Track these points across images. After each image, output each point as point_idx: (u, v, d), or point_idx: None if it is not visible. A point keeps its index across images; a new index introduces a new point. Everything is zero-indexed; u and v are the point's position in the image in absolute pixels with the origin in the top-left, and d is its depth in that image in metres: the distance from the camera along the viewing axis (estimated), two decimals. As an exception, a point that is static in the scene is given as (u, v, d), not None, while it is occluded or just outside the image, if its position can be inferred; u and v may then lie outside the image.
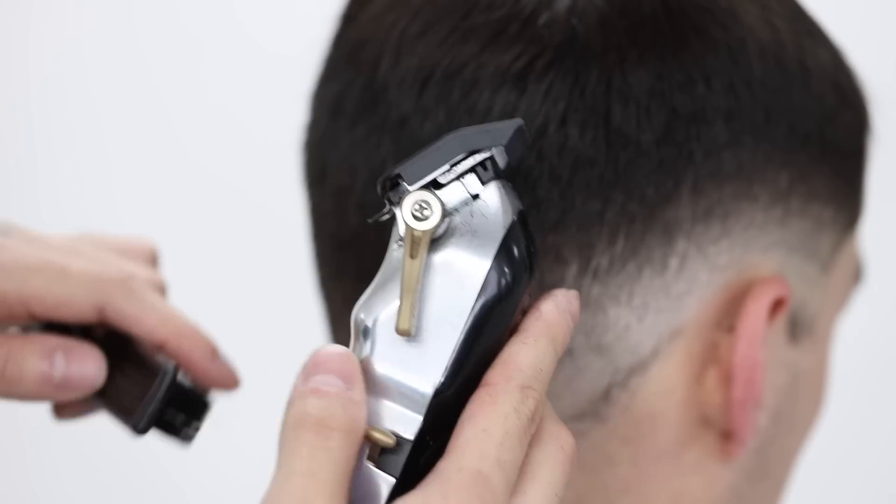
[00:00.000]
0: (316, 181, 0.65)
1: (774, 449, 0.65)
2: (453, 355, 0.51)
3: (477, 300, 0.51)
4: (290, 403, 0.50)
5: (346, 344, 0.65)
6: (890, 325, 1.33)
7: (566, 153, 0.58)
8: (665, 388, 0.61)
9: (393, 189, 0.52)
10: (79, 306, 0.62)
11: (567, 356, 0.60)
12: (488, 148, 0.52)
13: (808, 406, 0.68)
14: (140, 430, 0.62)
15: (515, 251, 0.52)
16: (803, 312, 0.64)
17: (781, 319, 0.63)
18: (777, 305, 0.61)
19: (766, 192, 0.61)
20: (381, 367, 0.51)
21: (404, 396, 0.51)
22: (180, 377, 0.63)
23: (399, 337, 0.51)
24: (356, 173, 0.62)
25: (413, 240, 0.51)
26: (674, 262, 0.59)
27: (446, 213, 0.52)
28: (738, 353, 0.60)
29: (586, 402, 0.61)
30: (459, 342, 0.51)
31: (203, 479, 1.40)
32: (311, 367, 0.51)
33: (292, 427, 0.49)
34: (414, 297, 0.51)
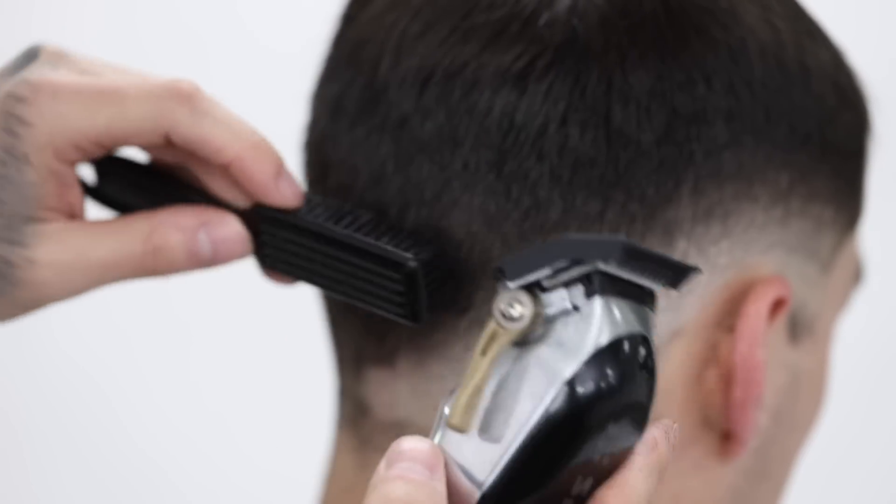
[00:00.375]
0: (316, 181, 0.65)
1: (775, 449, 0.65)
2: (505, 463, 0.49)
3: (542, 414, 0.49)
4: (374, 487, 0.50)
5: (346, 343, 0.66)
6: (890, 325, 1.34)
7: (567, 153, 0.58)
8: (665, 388, 0.61)
9: (498, 279, 0.50)
10: (144, 135, 0.60)
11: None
12: (596, 261, 0.49)
13: (809, 406, 0.68)
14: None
15: (599, 379, 0.49)
16: (803, 313, 0.64)
17: (782, 320, 0.63)
18: (777, 306, 0.62)
19: (767, 192, 0.61)
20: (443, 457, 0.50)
21: (458, 494, 0.50)
22: None
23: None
24: (356, 173, 0.62)
25: (491, 335, 0.50)
26: (674, 263, 0.60)
27: (538, 320, 0.49)
28: (738, 353, 0.60)
29: (587, 402, 0.61)
30: (514, 452, 0.49)
31: (203, 482, 1.40)
32: (396, 455, 0.50)
33: None
34: (472, 394, 0.49)
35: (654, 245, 0.59)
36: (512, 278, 0.49)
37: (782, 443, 0.66)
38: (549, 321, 0.49)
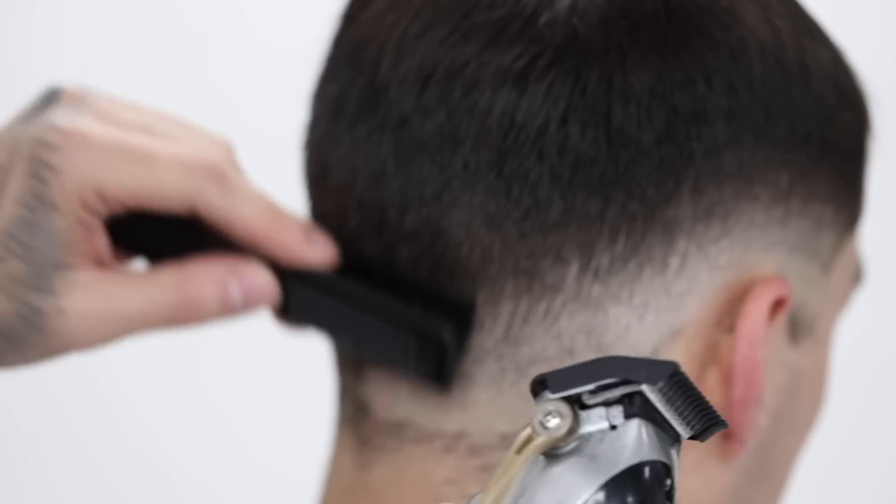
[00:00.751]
0: (316, 180, 0.65)
1: (774, 449, 0.65)
2: None
3: None
4: None
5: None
6: (890, 325, 1.34)
7: (567, 152, 0.58)
8: (665, 386, 0.61)
9: (538, 391, 0.50)
10: (169, 201, 0.61)
11: (568, 356, 0.60)
12: (640, 382, 0.49)
13: (809, 406, 0.67)
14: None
15: (626, 496, 0.49)
16: (804, 313, 0.64)
17: (782, 319, 0.63)
18: (778, 305, 0.62)
19: (767, 191, 0.61)
20: None
21: None
22: None
23: None
24: (356, 172, 0.62)
25: (526, 439, 0.49)
26: (674, 262, 0.60)
27: (573, 433, 0.49)
28: (738, 352, 0.60)
29: (587, 402, 0.61)
30: None
31: (203, 481, 1.40)
32: None
33: None
34: (499, 493, 0.49)
35: (655, 244, 0.59)
36: (554, 391, 0.49)
37: (782, 443, 0.66)
38: (585, 437, 0.49)
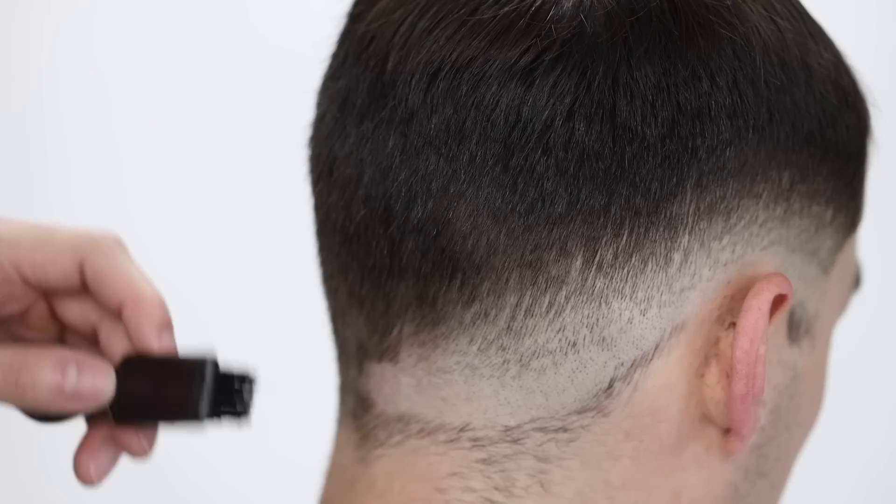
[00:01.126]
0: (323, 175, 0.65)
1: (774, 448, 0.66)
2: None
3: None
4: None
5: (349, 337, 0.66)
6: (890, 326, 1.34)
7: (572, 147, 0.59)
8: (667, 382, 0.61)
9: None
10: (62, 264, 0.64)
11: (571, 349, 0.60)
12: None
13: (807, 407, 0.68)
14: (202, 416, 0.63)
15: None
16: (803, 313, 0.65)
17: (782, 317, 0.63)
18: (778, 302, 0.62)
19: (769, 190, 0.62)
20: None
21: None
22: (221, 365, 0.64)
23: None
24: (363, 166, 0.62)
25: None
26: (677, 257, 0.60)
27: None
28: (739, 347, 0.61)
29: (590, 396, 0.61)
30: None
31: (203, 479, 1.40)
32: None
33: None
34: None
35: (658, 239, 0.60)
36: None
37: (781, 442, 0.66)
38: None
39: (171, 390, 0.64)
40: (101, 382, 0.63)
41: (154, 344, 0.64)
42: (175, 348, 0.65)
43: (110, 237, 0.65)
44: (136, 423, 0.65)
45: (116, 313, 0.65)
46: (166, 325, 0.64)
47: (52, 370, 0.62)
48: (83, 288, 0.65)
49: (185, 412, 0.63)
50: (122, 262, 0.64)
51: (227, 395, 0.64)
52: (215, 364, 0.64)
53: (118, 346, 0.65)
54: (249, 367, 0.65)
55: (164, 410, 0.64)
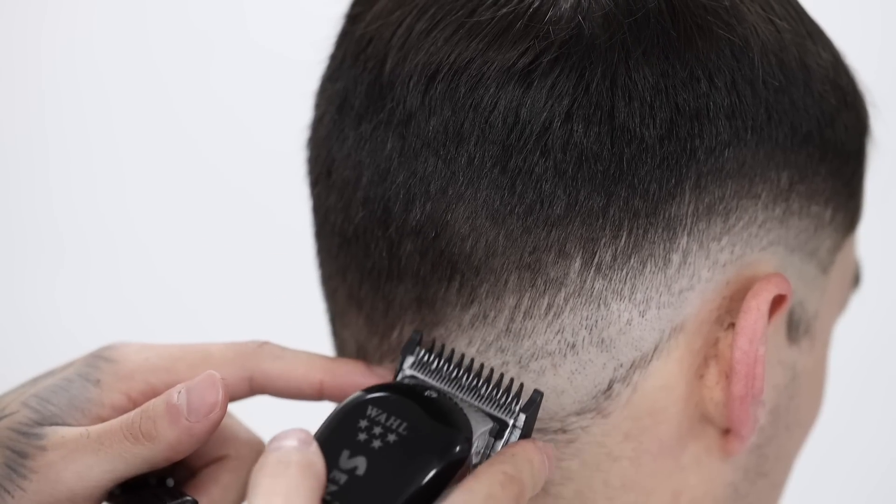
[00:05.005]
0: (321, 177, 0.65)
1: (772, 447, 0.66)
2: None
3: None
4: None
5: (349, 340, 0.66)
6: (890, 326, 1.34)
7: (571, 148, 0.59)
8: (666, 383, 0.61)
9: None
10: (234, 385, 0.63)
11: (570, 351, 0.60)
12: None
13: (807, 407, 0.68)
14: None
15: None
16: (802, 313, 0.65)
17: (781, 317, 0.63)
18: (777, 302, 0.62)
19: (767, 190, 0.62)
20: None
21: None
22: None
23: None
24: (362, 168, 0.62)
25: None
26: (676, 258, 0.60)
27: None
28: (738, 348, 0.61)
29: (589, 397, 0.61)
30: None
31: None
32: (273, 439, 0.55)
33: (254, 474, 0.54)
34: None
35: (657, 240, 0.60)
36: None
37: (780, 442, 0.66)
38: None
39: None
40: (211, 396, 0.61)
41: (370, 382, 0.63)
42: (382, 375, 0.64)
43: (260, 342, 0.64)
44: None
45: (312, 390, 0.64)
46: (366, 366, 0.64)
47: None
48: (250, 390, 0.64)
49: None
50: (288, 355, 0.64)
51: None
52: None
53: None
54: None
55: None
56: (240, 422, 0.66)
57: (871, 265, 0.76)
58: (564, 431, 0.61)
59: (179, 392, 0.60)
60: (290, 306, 1.11)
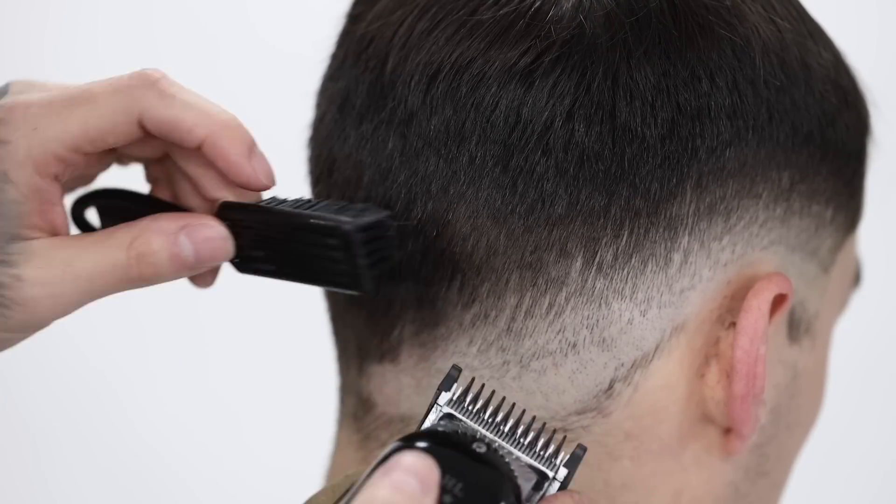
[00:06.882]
0: (322, 176, 0.65)
1: (773, 447, 0.66)
2: None
3: None
4: (362, 489, 0.51)
5: (349, 338, 0.66)
6: (890, 326, 1.34)
7: (572, 148, 0.59)
8: (667, 382, 0.61)
9: None
10: (115, 125, 0.60)
11: (571, 350, 0.60)
12: None
13: (807, 406, 0.68)
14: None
15: None
16: (803, 312, 0.65)
17: (782, 316, 0.63)
18: (778, 302, 0.62)
19: (768, 190, 0.62)
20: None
21: None
22: None
23: None
24: (363, 168, 0.62)
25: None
26: (677, 258, 0.60)
27: None
28: (739, 347, 0.61)
29: (590, 397, 0.61)
30: None
31: (205, 479, 1.40)
32: (393, 464, 0.51)
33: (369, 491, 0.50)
34: None
35: (658, 240, 0.60)
36: None
37: (781, 442, 0.66)
38: None
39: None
40: (217, 243, 0.61)
41: (247, 170, 0.60)
42: (268, 168, 0.61)
43: (153, 75, 0.60)
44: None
45: (196, 156, 0.61)
46: (252, 146, 0.61)
47: (165, 239, 0.60)
48: (146, 140, 0.61)
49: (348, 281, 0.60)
50: (181, 99, 0.60)
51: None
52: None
53: (210, 192, 0.62)
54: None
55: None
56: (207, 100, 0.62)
57: (871, 265, 0.76)
58: (565, 431, 0.61)
59: (185, 244, 0.59)
60: (290, 306, 1.11)
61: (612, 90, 0.59)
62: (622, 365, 0.61)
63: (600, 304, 0.60)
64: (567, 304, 0.60)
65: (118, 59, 1.39)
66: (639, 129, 0.59)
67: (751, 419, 0.62)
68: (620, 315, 0.60)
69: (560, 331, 0.60)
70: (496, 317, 0.60)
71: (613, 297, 0.60)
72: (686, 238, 0.60)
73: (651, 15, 0.59)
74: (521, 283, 0.60)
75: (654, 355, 0.61)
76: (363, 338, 0.65)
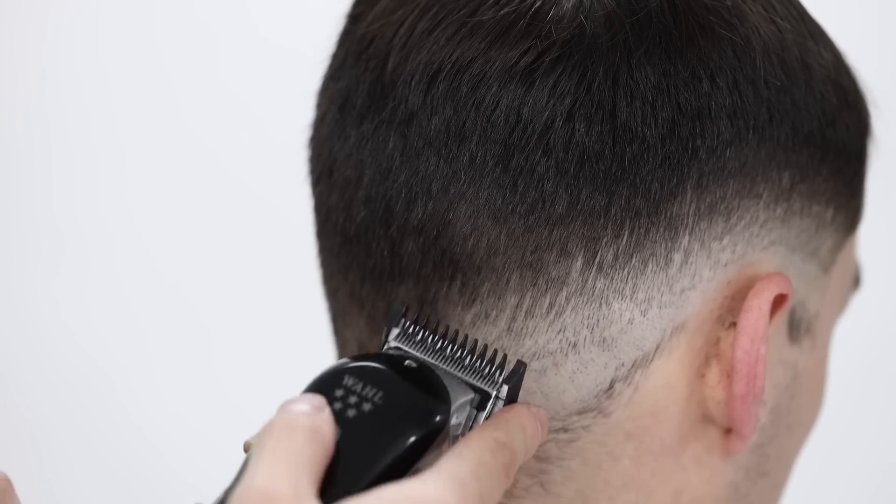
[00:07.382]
0: (323, 176, 0.66)
1: (773, 447, 0.66)
2: None
3: None
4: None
5: (350, 340, 0.66)
6: (890, 326, 1.34)
7: (572, 147, 0.59)
8: (667, 382, 0.61)
9: None
10: None
11: (572, 350, 0.60)
12: None
13: (807, 407, 0.68)
14: None
15: None
16: (803, 312, 0.65)
17: (782, 316, 0.63)
18: (779, 302, 0.62)
19: (769, 190, 0.62)
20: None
21: None
22: None
23: None
24: (363, 167, 0.62)
25: None
26: (677, 258, 0.60)
27: None
28: (739, 347, 0.61)
29: (590, 397, 0.61)
30: None
31: (205, 479, 1.40)
32: (284, 402, 0.54)
33: (259, 435, 0.53)
34: None
35: (658, 239, 0.60)
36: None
37: (781, 441, 0.66)
38: None
39: None
40: None
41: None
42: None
43: None
44: None
45: None
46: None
47: None
48: None
49: None
50: None
51: None
52: None
53: None
54: None
55: None
56: None
57: (871, 265, 0.76)
58: (566, 431, 0.62)
59: None
60: (291, 306, 1.11)
61: (612, 90, 0.59)
62: (622, 365, 0.61)
63: (601, 304, 0.60)
64: (567, 304, 0.60)
65: (119, 59, 1.40)
66: (639, 128, 0.59)
67: (751, 419, 0.62)
68: (621, 315, 0.60)
69: (560, 331, 0.60)
70: (497, 317, 0.60)
71: (614, 297, 0.60)
72: (686, 238, 0.60)
73: (651, 15, 0.60)
74: (521, 282, 0.60)
75: (654, 355, 0.61)
76: (364, 338, 0.65)
